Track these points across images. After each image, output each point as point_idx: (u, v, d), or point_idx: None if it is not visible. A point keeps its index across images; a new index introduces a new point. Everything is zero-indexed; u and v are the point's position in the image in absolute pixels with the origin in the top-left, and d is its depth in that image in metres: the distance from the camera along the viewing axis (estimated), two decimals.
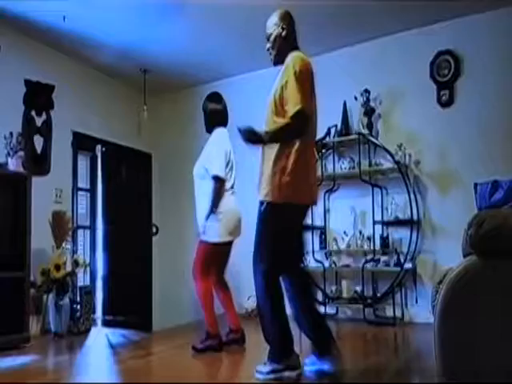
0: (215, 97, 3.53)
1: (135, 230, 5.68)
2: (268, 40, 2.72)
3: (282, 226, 2.49)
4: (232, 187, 3.37)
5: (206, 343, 3.21)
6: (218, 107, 3.45)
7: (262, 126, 2.58)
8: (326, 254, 4.81)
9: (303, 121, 2.42)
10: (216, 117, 3.44)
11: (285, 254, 2.54)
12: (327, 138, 4.73)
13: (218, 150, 3.30)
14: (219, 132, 3.41)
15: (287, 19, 2.70)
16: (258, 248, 2.52)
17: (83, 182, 5.21)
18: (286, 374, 2.42)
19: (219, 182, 3.23)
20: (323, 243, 4.78)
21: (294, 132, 2.44)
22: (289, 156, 2.45)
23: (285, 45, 2.65)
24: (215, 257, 3.34)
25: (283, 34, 2.66)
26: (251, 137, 2.46)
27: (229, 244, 3.36)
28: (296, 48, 2.66)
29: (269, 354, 2.50)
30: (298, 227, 2.66)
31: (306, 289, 2.64)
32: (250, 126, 2.46)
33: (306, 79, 2.47)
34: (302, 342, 3.69)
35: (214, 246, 3.28)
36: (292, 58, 2.53)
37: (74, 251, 4.69)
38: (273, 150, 2.49)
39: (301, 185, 2.48)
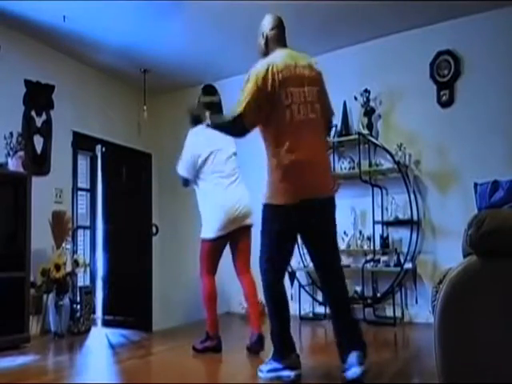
0: (207, 90, 3.55)
1: (135, 230, 5.68)
2: None
3: (269, 226, 2.54)
4: (223, 178, 3.33)
5: (204, 344, 3.20)
6: (208, 100, 3.45)
7: None
8: None
9: (239, 124, 2.55)
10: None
11: (278, 254, 2.57)
12: (327, 138, 4.73)
13: (186, 146, 3.42)
14: (199, 127, 3.39)
15: (269, 25, 2.76)
16: (260, 249, 2.61)
17: (83, 182, 5.22)
18: (285, 373, 2.43)
19: (181, 178, 3.45)
20: None
21: (230, 131, 2.76)
22: (271, 158, 2.54)
23: (263, 54, 2.74)
24: (213, 253, 3.35)
25: (262, 43, 2.77)
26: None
27: (222, 239, 3.31)
28: (283, 46, 2.71)
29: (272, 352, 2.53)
30: (284, 228, 2.54)
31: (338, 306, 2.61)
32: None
33: (250, 87, 2.52)
34: (301, 342, 3.70)
35: (209, 243, 3.32)
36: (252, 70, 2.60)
37: (74, 251, 4.69)
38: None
39: (281, 185, 2.48)
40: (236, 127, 2.59)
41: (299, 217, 2.47)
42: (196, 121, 3.31)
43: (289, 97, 2.52)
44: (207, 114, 2.98)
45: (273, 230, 2.55)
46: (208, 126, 2.88)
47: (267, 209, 2.55)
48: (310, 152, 2.51)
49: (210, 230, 3.30)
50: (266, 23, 2.78)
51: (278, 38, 2.74)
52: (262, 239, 2.60)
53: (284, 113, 2.51)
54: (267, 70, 2.51)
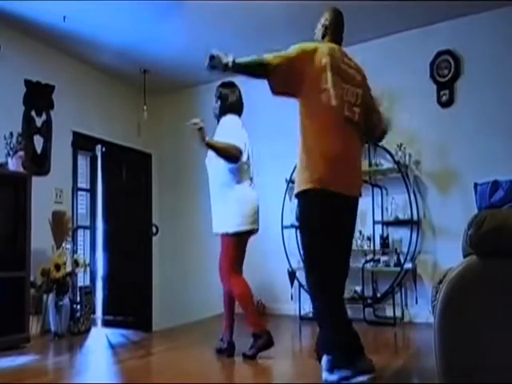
0: (225, 83, 3.46)
1: (135, 230, 5.68)
2: None
3: None
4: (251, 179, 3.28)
5: (257, 345, 3.00)
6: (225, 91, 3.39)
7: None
8: None
9: (265, 66, 2.48)
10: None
11: None
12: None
13: (235, 131, 3.27)
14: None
15: (331, 18, 2.79)
16: None
17: (83, 182, 5.21)
18: (359, 379, 2.27)
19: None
20: None
21: (253, 68, 2.57)
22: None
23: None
24: (240, 249, 3.16)
25: (320, 34, 2.78)
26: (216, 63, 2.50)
27: (248, 234, 3.17)
28: (337, 43, 2.76)
29: (332, 361, 2.35)
30: None
31: None
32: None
33: (290, 52, 2.56)
34: (301, 342, 3.69)
35: (235, 237, 3.12)
36: None
37: (74, 251, 4.69)
38: None
39: None
40: (260, 67, 2.49)
41: None
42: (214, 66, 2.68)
43: (328, 82, 2.46)
44: (229, 58, 2.58)
45: None
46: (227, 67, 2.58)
47: None
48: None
49: (238, 222, 3.14)
50: (329, 16, 2.78)
51: (334, 32, 2.76)
52: None
53: (320, 96, 2.45)
54: (315, 48, 2.52)
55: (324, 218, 2.39)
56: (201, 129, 3.04)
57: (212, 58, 2.50)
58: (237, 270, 3.13)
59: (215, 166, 3.19)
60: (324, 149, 2.40)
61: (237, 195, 3.12)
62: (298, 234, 2.61)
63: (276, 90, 2.51)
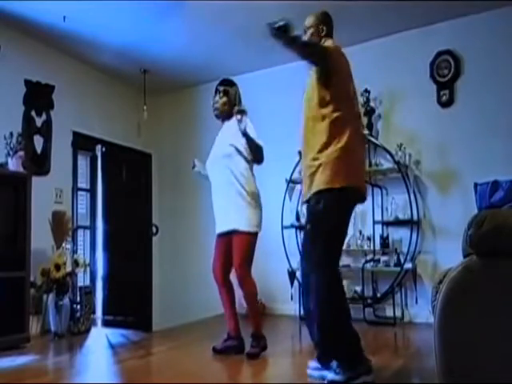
0: (223, 81, 3.46)
1: (135, 230, 5.68)
2: None
3: None
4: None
5: (260, 345, 3.12)
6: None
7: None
8: None
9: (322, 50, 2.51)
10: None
11: None
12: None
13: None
14: None
15: (328, 21, 2.80)
16: None
17: (83, 182, 5.21)
18: (362, 379, 2.31)
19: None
20: None
21: (311, 49, 2.52)
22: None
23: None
24: (254, 248, 3.19)
25: (319, 33, 2.76)
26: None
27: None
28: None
29: (339, 361, 2.37)
30: None
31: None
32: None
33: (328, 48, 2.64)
34: (301, 342, 3.69)
35: (255, 236, 3.17)
36: None
37: (74, 251, 4.69)
38: None
39: None
40: (318, 51, 2.50)
41: None
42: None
43: (354, 88, 2.60)
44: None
45: None
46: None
47: None
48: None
49: (257, 223, 3.19)
50: (326, 17, 2.77)
51: (331, 34, 2.77)
52: None
53: (352, 102, 2.56)
54: (342, 52, 2.58)
55: (344, 215, 2.50)
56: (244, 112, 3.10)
57: (287, 26, 2.36)
58: (249, 269, 3.17)
59: (237, 162, 3.18)
60: (356, 153, 2.49)
61: (258, 196, 3.22)
62: (311, 232, 2.49)
63: (325, 74, 2.47)
